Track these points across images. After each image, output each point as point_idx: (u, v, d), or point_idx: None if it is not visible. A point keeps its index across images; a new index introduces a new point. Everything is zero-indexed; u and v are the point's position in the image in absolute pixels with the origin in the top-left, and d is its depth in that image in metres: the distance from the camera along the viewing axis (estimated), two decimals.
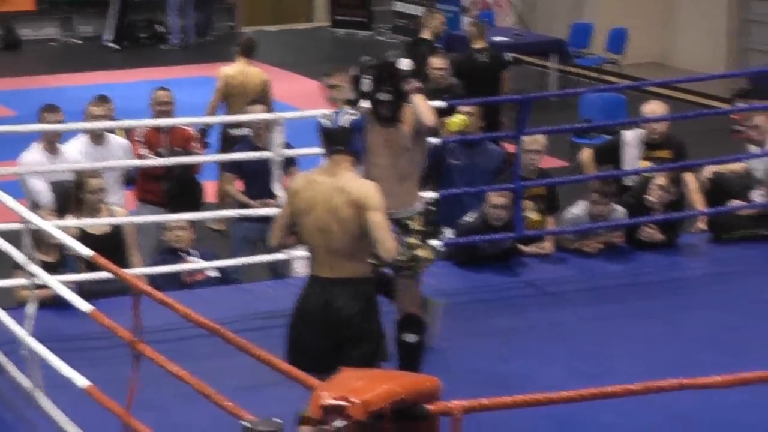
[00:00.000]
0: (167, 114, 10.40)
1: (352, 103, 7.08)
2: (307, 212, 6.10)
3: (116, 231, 8.85)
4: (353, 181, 6.14)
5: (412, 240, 7.08)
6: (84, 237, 8.57)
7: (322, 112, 9.03)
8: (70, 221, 8.64)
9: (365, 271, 6.16)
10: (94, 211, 8.80)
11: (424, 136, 7.16)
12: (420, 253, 7.14)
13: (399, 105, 7.04)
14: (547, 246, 9.46)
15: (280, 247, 6.56)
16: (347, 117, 6.21)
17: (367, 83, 7.01)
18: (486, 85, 12.47)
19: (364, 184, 6.18)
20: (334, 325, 6.06)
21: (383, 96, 7.02)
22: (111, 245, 8.64)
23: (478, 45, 13.23)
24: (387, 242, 6.06)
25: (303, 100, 15.24)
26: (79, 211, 8.83)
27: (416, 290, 7.23)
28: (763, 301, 8.77)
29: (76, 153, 9.53)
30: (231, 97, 12.09)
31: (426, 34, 13.44)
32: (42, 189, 9.26)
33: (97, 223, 8.77)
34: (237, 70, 12.27)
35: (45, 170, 9.21)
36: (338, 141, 6.15)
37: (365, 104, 7.15)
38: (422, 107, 7.01)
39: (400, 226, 6.89)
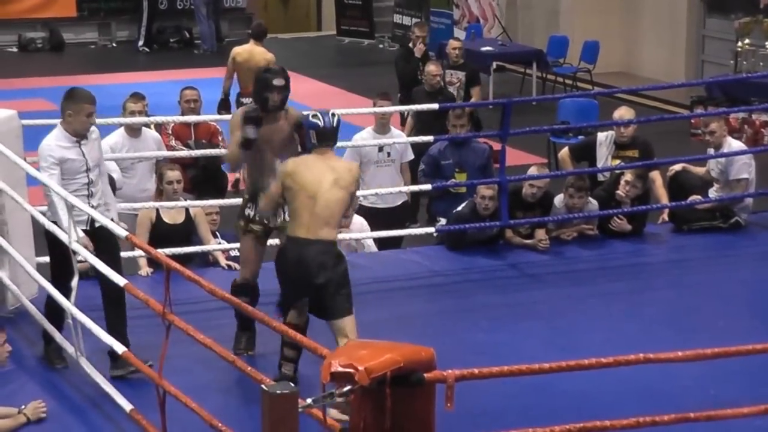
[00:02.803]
0: (194, 110, 10.38)
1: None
2: (302, 186, 6.49)
3: (189, 220, 8.81)
4: (344, 162, 6.96)
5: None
6: (161, 224, 8.63)
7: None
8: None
9: (334, 235, 6.59)
10: (171, 200, 8.79)
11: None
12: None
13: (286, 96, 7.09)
14: (539, 233, 9.39)
15: (265, 212, 6.98)
16: (336, 117, 6.65)
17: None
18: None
19: (353, 166, 6.90)
20: (306, 275, 6.46)
21: (277, 81, 7.01)
22: (184, 233, 8.67)
23: (461, 62, 13.23)
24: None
25: (312, 100, 15.21)
26: (159, 199, 8.87)
27: None
28: (717, 284, 8.77)
29: (112, 144, 9.46)
30: (239, 71, 12.65)
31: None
32: None
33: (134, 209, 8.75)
34: (244, 49, 12.88)
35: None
36: (330, 138, 6.65)
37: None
38: None
39: None
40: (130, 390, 6.34)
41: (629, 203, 9.54)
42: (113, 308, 6.86)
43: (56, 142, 7.05)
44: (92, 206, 6.94)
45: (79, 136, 7.07)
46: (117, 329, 6.72)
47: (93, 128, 7.18)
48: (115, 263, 6.87)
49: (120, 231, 6.43)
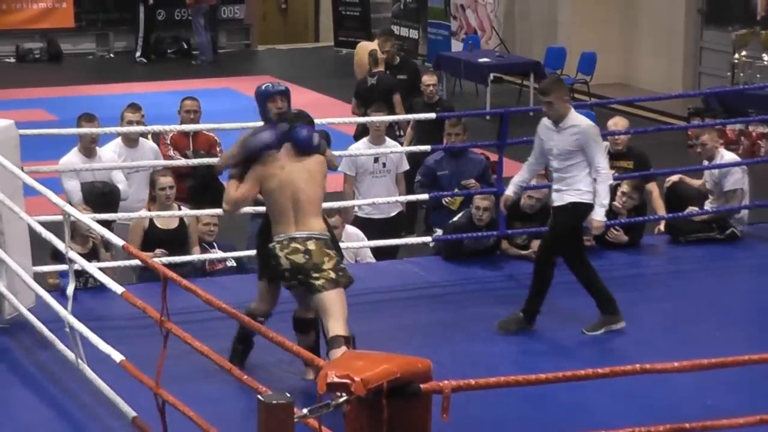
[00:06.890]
0: (194, 120, 10.39)
1: None
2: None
3: (182, 226, 8.81)
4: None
5: None
6: (154, 230, 8.62)
7: (328, 120, 9.11)
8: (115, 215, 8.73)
9: None
10: (163, 206, 8.78)
11: None
12: None
13: None
14: (535, 244, 9.35)
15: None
16: None
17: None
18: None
19: None
20: None
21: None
22: (178, 239, 8.66)
23: (375, 69, 12.72)
24: None
25: (309, 110, 15.09)
26: (152, 205, 8.87)
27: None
28: (713, 295, 8.77)
29: (111, 154, 9.52)
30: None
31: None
32: (73, 188, 9.19)
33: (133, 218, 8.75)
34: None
35: (81, 169, 9.18)
36: None
37: None
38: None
39: None
40: (127, 397, 6.31)
41: (626, 214, 9.54)
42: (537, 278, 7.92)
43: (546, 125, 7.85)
44: (555, 189, 7.84)
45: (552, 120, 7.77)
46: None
47: (571, 121, 7.70)
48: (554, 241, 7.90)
49: (117, 240, 6.43)
